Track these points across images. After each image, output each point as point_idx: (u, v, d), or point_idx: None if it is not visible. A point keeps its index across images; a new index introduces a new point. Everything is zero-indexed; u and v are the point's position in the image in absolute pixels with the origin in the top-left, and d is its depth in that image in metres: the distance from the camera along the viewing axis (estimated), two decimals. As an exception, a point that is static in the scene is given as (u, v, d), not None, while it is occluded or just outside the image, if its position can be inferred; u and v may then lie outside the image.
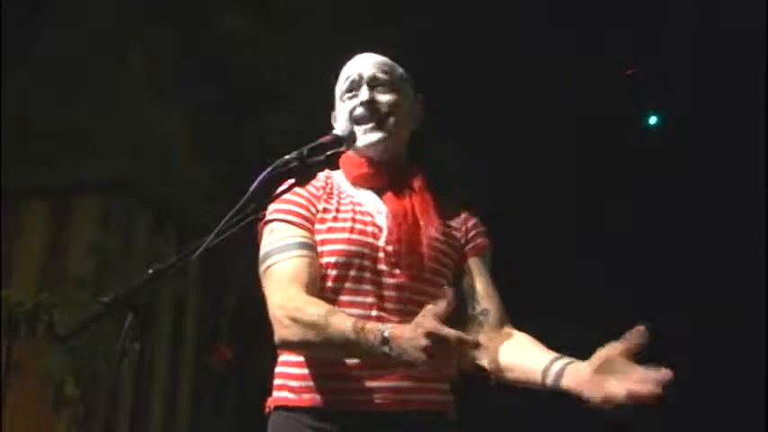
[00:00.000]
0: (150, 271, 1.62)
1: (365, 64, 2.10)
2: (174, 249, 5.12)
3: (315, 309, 1.78)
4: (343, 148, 1.96)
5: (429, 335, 1.58)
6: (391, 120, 2.04)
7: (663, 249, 5.79)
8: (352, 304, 1.89)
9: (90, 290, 4.69)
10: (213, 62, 5.42)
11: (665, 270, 5.74)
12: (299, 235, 1.94)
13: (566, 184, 6.08)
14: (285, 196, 1.92)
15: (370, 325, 1.72)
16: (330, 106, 2.20)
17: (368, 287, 1.92)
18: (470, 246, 2.10)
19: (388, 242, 1.96)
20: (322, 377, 1.88)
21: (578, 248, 6.15)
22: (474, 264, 2.07)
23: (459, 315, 1.96)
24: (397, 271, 1.94)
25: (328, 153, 1.91)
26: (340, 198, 2.04)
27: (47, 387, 4.72)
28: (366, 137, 2.03)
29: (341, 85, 2.13)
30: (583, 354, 1.75)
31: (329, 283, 1.93)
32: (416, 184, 2.06)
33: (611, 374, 1.62)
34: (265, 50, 5.46)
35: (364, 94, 2.05)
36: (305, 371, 1.90)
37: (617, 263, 5.73)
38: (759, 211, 5.43)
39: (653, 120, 5.95)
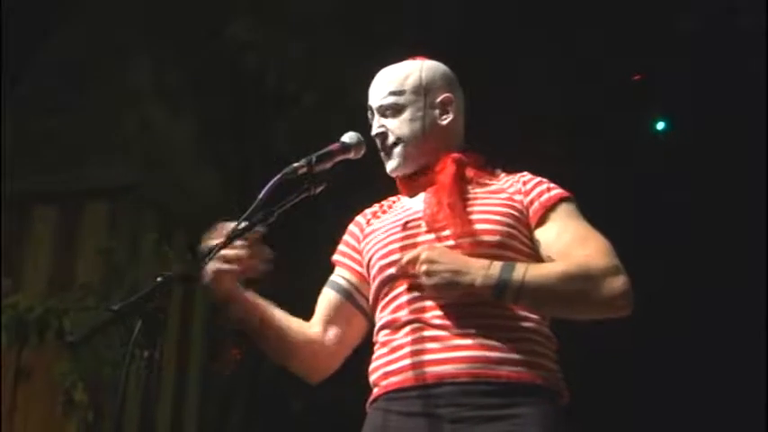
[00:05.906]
0: (159, 279, 1.63)
1: (374, 93, 2.12)
2: (182, 256, 5.13)
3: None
4: (351, 156, 1.98)
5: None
6: (398, 148, 2.06)
7: (666, 255, 5.75)
8: (389, 312, 1.95)
9: (99, 296, 4.70)
10: (221, 69, 5.43)
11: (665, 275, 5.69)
12: (334, 274, 2.13)
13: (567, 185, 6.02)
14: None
15: None
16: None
17: (404, 297, 1.93)
18: (530, 214, 1.98)
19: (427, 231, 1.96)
20: (381, 363, 1.94)
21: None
22: (541, 234, 1.96)
23: None
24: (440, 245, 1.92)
25: (336, 160, 1.94)
26: (391, 210, 2.12)
27: (56, 393, 4.72)
28: (386, 166, 2.11)
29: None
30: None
31: (379, 297, 2.00)
32: (441, 169, 2.04)
33: None
34: (273, 56, 5.46)
35: (375, 126, 2.11)
36: (373, 364, 1.98)
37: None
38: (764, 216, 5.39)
39: (660, 125, 5.93)
